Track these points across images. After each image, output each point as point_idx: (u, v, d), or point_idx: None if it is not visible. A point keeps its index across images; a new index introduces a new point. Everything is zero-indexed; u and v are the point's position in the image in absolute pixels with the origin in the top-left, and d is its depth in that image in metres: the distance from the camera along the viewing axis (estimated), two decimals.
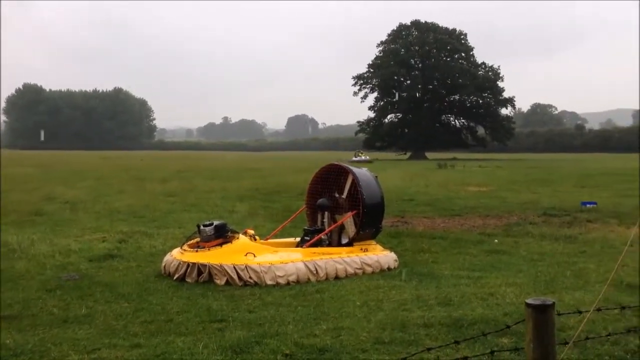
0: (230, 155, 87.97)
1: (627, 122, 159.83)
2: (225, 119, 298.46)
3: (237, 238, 7.82)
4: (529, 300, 1.90)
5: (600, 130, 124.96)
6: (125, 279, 7.55)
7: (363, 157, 58.57)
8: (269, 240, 8.91)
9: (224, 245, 7.63)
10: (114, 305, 6.31)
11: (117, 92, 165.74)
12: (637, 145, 76.78)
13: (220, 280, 7.20)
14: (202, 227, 7.81)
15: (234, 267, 7.22)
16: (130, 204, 16.34)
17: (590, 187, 22.75)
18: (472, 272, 7.97)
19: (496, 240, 10.74)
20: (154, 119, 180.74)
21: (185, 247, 7.86)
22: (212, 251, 7.53)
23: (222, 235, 7.78)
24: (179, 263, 7.47)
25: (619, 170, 33.45)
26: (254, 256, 7.46)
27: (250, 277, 7.19)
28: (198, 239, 7.89)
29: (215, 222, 7.89)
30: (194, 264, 7.36)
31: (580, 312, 2.11)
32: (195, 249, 7.67)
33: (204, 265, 7.31)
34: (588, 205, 15.68)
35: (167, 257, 7.85)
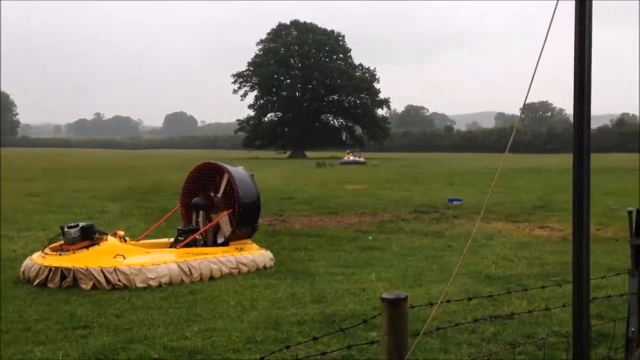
0: (102, 153, 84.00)
1: (490, 124, 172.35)
2: (98, 115, 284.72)
3: (106, 240, 7.47)
4: (385, 295, 1.97)
5: (467, 131, 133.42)
6: None
7: (350, 158, 52.27)
8: (141, 242, 8.58)
9: (90, 248, 7.26)
10: None
11: None
12: (499, 145, 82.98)
13: (86, 285, 6.83)
14: (66, 229, 7.39)
15: (102, 270, 6.88)
16: None
17: (457, 185, 24.21)
18: (346, 269, 8.17)
19: (370, 237, 11.10)
20: (17, 114, 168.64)
21: (47, 250, 7.38)
22: (78, 254, 7.12)
23: (89, 237, 7.40)
24: (40, 267, 7.00)
25: (482, 169, 35.90)
26: (124, 258, 7.16)
27: (119, 280, 6.89)
28: (62, 242, 7.44)
29: (81, 224, 7.51)
30: (56, 268, 6.93)
31: (431, 304, 2.21)
32: (59, 253, 7.23)
33: (68, 269, 6.90)
34: (454, 202, 16.69)
35: (27, 262, 7.33)
